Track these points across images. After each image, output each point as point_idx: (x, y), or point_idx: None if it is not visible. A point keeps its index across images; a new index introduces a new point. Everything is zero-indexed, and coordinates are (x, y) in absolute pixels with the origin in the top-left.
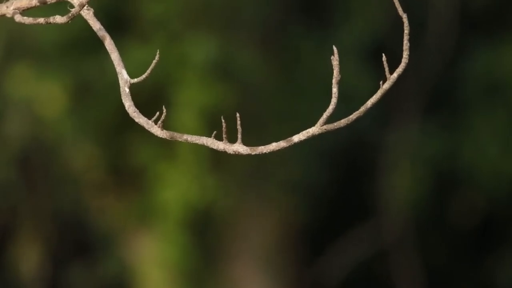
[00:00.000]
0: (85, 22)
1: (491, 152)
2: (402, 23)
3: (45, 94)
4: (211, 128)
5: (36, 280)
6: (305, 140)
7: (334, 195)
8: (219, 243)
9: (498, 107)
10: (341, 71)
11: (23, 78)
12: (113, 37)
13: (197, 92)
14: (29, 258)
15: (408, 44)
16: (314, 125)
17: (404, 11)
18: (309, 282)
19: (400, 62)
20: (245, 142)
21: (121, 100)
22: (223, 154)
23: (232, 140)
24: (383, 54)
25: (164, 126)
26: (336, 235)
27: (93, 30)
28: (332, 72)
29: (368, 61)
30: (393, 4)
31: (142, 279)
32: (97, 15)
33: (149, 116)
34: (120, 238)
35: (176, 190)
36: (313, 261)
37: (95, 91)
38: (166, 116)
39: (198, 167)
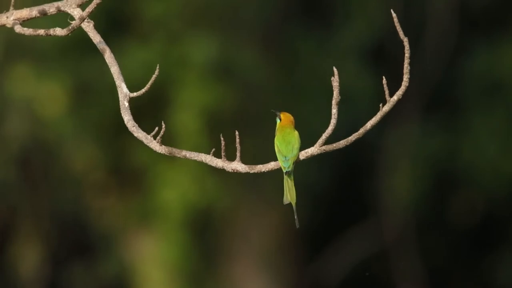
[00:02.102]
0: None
1: (491, 151)
2: (402, 24)
3: (45, 94)
4: (211, 127)
5: (36, 280)
6: (303, 159)
7: (334, 195)
8: (219, 243)
9: (497, 107)
10: (341, 71)
11: (23, 78)
12: (113, 37)
13: (197, 92)
14: (29, 258)
15: (409, 67)
16: (313, 125)
17: (405, 11)
18: (308, 282)
19: (399, 61)
20: (246, 142)
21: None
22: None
23: (231, 147)
24: (384, 77)
25: (164, 126)
26: (336, 234)
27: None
28: (332, 73)
29: (368, 60)
30: (393, 4)
31: (142, 279)
32: (98, 16)
33: (149, 117)
34: (120, 238)
35: (176, 190)
36: (313, 260)
37: (95, 91)
38: (166, 116)
39: (198, 168)
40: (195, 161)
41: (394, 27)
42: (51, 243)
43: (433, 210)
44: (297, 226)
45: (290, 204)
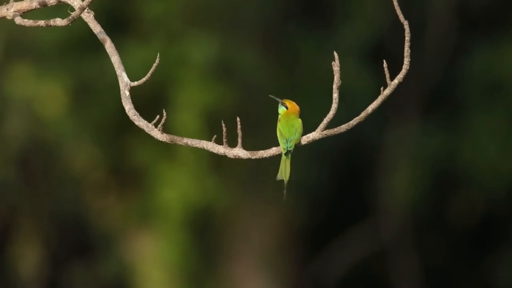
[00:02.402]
0: (85, 22)
1: (491, 151)
2: (401, 23)
3: (45, 94)
4: (211, 127)
5: (36, 280)
6: (305, 144)
7: (333, 195)
8: (219, 243)
9: (497, 107)
10: (340, 70)
11: (23, 78)
12: (113, 37)
13: (197, 92)
14: (29, 258)
15: (409, 51)
16: (313, 124)
17: (405, 11)
18: (308, 282)
19: (399, 62)
20: (245, 141)
21: (121, 100)
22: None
23: (232, 141)
24: (384, 61)
25: (164, 126)
26: (336, 234)
27: (92, 31)
28: (331, 72)
29: (367, 60)
30: (392, 4)
31: (142, 279)
32: (98, 15)
33: (149, 116)
34: (120, 238)
35: (176, 190)
36: (313, 260)
37: (95, 91)
38: (166, 117)
39: (198, 167)
40: (195, 160)
41: (394, 25)
42: (51, 243)
43: (433, 210)
44: (284, 198)
45: (282, 182)
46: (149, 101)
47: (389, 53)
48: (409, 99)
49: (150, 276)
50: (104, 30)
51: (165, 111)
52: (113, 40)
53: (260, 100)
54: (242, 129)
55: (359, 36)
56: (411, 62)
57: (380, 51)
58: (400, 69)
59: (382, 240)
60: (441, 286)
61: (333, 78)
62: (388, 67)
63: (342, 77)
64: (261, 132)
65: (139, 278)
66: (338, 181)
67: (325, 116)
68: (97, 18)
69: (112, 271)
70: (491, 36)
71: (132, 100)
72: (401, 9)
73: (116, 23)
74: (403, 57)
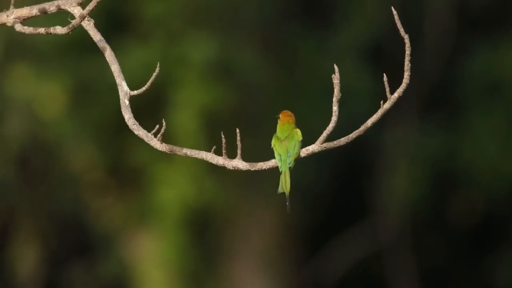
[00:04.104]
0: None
1: (491, 151)
2: (401, 23)
3: (45, 94)
4: (210, 127)
5: (35, 280)
6: (305, 157)
7: (333, 195)
8: (219, 243)
9: (497, 107)
10: (340, 70)
11: (23, 78)
12: (113, 37)
13: (196, 92)
14: (28, 258)
15: (410, 65)
16: (313, 125)
17: (404, 10)
18: (308, 281)
19: (398, 61)
20: (245, 142)
21: (120, 101)
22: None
23: (231, 147)
24: (384, 74)
25: (165, 123)
26: (335, 234)
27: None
28: (331, 72)
29: (367, 60)
30: (392, 4)
31: (142, 279)
32: (98, 15)
33: (149, 116)
34: (120, 238)
35: (174, 190)
36: (312, 260)
37: (94, 91)
38: (165, 115)
39: (196, 167)
40: (193, 160)
41: (393, 26)
42: (51, 243)
43: (433, 210)
44: (288, 211)
45: (283, 193)
46: (149, 101)
47: (388, 53)
48: (408, 99)
49: (150, 276)
50: (104, 31)
51: (165, 111)
52: (113, 40)
53: (260, 100)
54: (241, 129)
55: (359, 35)
56: (411, 61)
57: (379, 51)
58: (400, 69)
59: (382, 240)
60: (441, 286)
61: (333, 76)
62: (388, 67)
63: (341, 76)
64: (261, 132)
65: (138, 278)
66: (338, 181)
67: (324, 116)
68: (97, 18)
69: (111, 271)
70: (491, 36)
71: (131, 100)
72: (401, 8)
73: (116, 23)
74: (402, 56)
